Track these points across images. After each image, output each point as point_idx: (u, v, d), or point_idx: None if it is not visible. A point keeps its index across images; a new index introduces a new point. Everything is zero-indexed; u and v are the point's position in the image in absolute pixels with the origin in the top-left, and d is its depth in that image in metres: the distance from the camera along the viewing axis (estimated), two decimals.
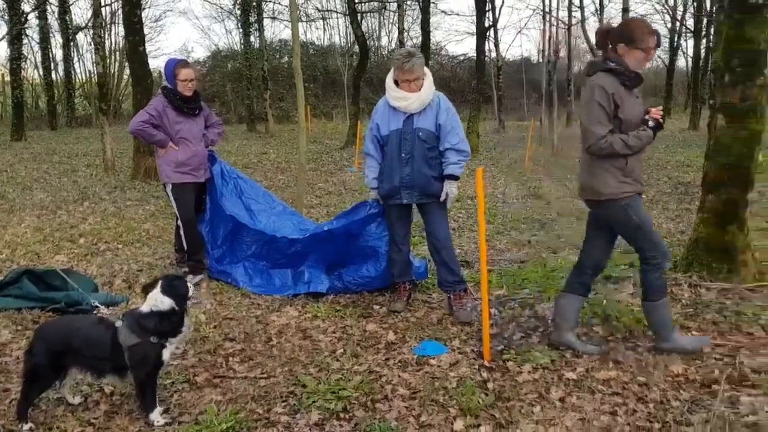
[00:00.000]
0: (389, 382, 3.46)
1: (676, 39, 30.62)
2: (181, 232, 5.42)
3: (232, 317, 4.59)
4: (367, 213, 4.88)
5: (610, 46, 3.52)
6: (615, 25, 3.71)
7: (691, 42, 28.52)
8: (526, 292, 4.93)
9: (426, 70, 4.39)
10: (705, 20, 23.75)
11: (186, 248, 5.45)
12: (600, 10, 24.76)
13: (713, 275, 4.78)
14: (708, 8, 22.42)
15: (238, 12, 27.09)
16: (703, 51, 25.89)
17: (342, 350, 3.93)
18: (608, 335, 4.05)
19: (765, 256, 5.23)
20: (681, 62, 35.18)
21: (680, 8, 29.60)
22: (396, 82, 4.40)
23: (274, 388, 3.43)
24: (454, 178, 4.38)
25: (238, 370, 3.68)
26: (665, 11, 29.69)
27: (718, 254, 4.82)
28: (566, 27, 22.48)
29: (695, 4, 25.50)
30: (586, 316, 4.30)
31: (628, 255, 4.98)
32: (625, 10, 12.64)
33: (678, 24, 29.35)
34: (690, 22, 27.77)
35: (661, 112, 3.53)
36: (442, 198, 4.40)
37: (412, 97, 4.32)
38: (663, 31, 29.58)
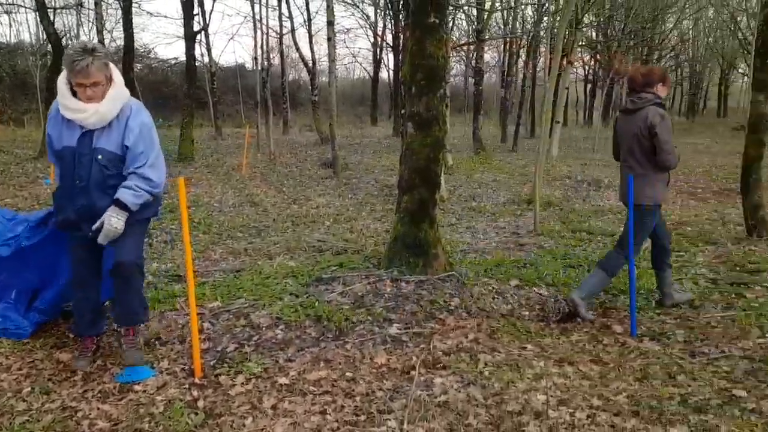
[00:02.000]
0: (86, 417, 3.11)
1: (378, 53, 33.30)
2: None
3: None
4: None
5: (649, 86, 4.54)
6: (645, 71, 4.62)
7: (391, 56, 31.25)
8: (241, 301, 4.86)
9: (114, 73, 3.47)
10: (401, 36, 26.15)
11: None
12: (308, 21, 25.79)
13: (411, 269, 5.23)
14: (402, 25, 24.72)
15: None
16: (401, 64, 28.53)
17: (30, 388, 3.44)
18: (319, 336, 4.17)
19: (452, 249, 5.89)
20: (384, 74, 38.33)
21: (381, 24, 32.28)
22: (71, 86, 3.40)
23: None
24: (121, 205, 3.40)
25: None
26: (367, 26, 32.07)
27: (414, 250, 5.29)
28: (278, 36, 22.97)
29: (393, 21, 27.93)
30: (300, 318, 4.38)
31: (349, 261, 5.22)
32: (330, 23, 13.30)
33: (379, 39, 31.93)
34: (389, 38, 30.41)
35: None
36: (95, 226, 3.42)
37: (90, 109, 3.34)
38: (366, 44, 31.75)
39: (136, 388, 3.42)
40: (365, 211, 9.00)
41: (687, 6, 33.50)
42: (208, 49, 25.72)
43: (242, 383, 3.46)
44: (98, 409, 3.19)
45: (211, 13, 43.64)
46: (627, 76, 4.88)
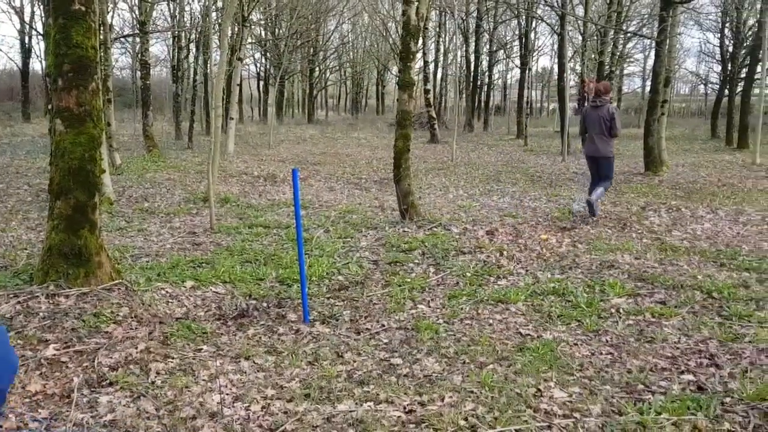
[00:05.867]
0: None
1: (27, 41, 29.50)
2: None
3: None
4: None
5: (607, 94, 8.35)
6: (605, 86, 8.52)
7: (43, 45, 27.92)
8: None
9: None
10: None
11: None
12: None
13: (71, 281, 4.72)
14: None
15: None
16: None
17: None
18: None
19: (120, 255, 5.47)
20: (37, 65, 34.14)
21: (28, 9, 28.60)
22: None
23: None
24: None
25: None
26: (12, 11, 28.12)
27: (74, 260, 4.78)
28: None
29: (41, 5, 24.98)
30: None
31: None
32: None
33: (27, 26, 28.29)
34: (39, 25, 27.12)
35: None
36: None
37: None
38: (12, 32, 27.96)
39: None
40: (16, 220, 7.89)
41: (345, 10, 36.45)
42: None
43: None
44: None
45: None
46: (594, 86, 8.54)
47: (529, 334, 4.25)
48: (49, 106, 5.47)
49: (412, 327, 4.40)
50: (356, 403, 3.21)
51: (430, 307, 4.89)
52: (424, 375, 3.60)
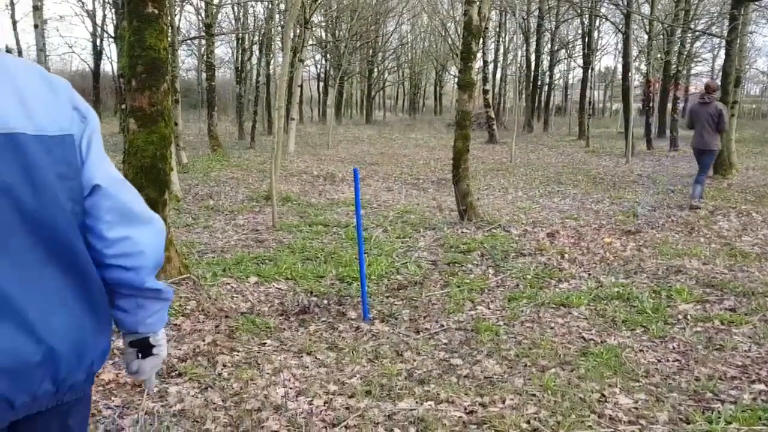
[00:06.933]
0: None
1: (99, 43, 30.71)
2: None
3: None
4: None
5: (715, 92, 9.32)
6: (714, 84, 9.78)
7: (114, 47, 29.05)
8: None
9: None
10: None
11: None
12: (11, 6, 22.82)
13: None
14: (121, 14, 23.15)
15: None
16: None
17: None
18: None
19: (188, 250, 5.65)
20: (107, 67, 35.53)
21: (100, 12, 29.78)
22: None
23: None
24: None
25: None
26: (84, 14, 29.33)
27: None
28: None
29: (113, 9, 25.98)
30: None
31: None
32: (36, 8, 11.90)
33: (99, 29, 29.45)
34: (110, 28, 28.22)
35: None
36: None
37: None
38: (85, 34, 29.23)
39: None
40: None
41: (404, 11, 36.54)
42: None
43: None
44: None
45: None
46: (705, 83, 9.77)
47: (592, 339, 4.18)
48: (123, 106, 5.70)
49: (471, 328, 4.38)
50: (417, 402, 3.23)
51: (489, 308, 4.86)
52: (484, 376, 3.59)
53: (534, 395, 3.32)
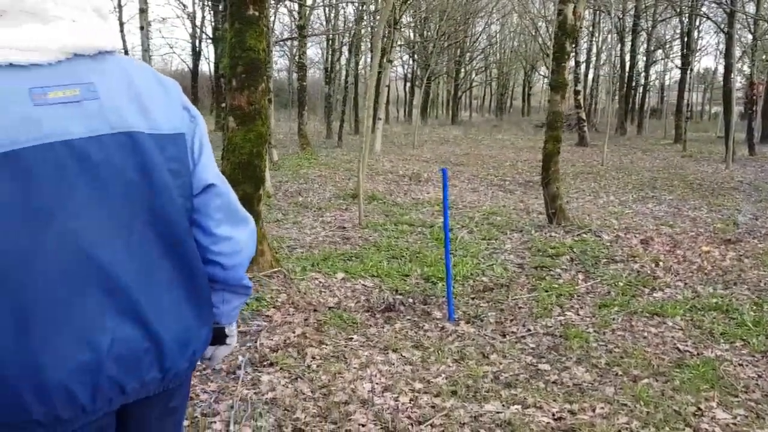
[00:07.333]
0: None
1: (198, 44, 32.07)
2: None
3: None
4: None
5: None
6: None
7: (211, 48, 30.26)
8: None
9: None
10: (221, 27, 25.44)
11: None
12: (119, 8, 24.18)
13: None
14: (222, 16, 24.05)
15: None
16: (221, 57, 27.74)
17: None
18: None
19: (278, 245, 5.83)
20: (205, 67, 37.05)
21: (200, 14, 31.09)
22: None
23: None
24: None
25: None
26: (185, 16, 30.72)
27: None
28: None
29: (212, 11, 27.08)
30: None
31: None
32: (143, 11, 12.57)
33: (198, 30, 30.75)
34: (209, 29, 29.41)
35: None
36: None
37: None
38: (184, 35, 30.53)
39: None
40: None
41: (494, 11, 36.13)
42: None
43: None
44: None
45: None
46: None
47: (688, 351, 4.02)
48: (222, 105, 5.93)
49: (560, 334, 4.30)
50: (503, 405, 3.21)
51: (579, 315, 4.76)
52: (573, 383, 3.52)
53: (625, 405, 3.23)
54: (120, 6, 25.75)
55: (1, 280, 1.19)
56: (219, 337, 1.61)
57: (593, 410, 3.17)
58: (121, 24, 25.57)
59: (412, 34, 31.20)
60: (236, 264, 1.53)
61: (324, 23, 26.78)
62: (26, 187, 1.20)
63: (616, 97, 32.67)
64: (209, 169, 1.50)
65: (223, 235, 1.49)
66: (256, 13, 5.10)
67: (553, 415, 3.12)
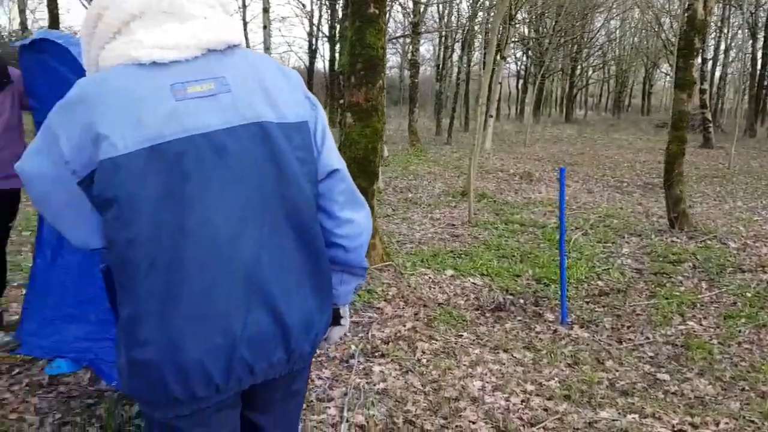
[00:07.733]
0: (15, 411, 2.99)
1: (314, 42, 32.97)
2: None
3: None
4: None
5: None
6: None
7: (327, 46, 31.04)
8: None
9: None
10: (338, 26, 26.03)
11: None
12: (243, 8, 25.30)
13: None
14: (340, 15, 24.60)
15: None
16: (337, 54, 28.37)
17: None
18: None
19: (388, 240, 5.92)
20: (320, 64, 38.02)
21: (317, 13, 31.96)
22: None
23: None
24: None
25: None
26: (303, 15, 31.66)
27: None
28: None
29: (329, 11, 27.78)
30: None
31: None
32: (266, 10, 13.09)
33: (315, 29, 31.61)
34: (325, 28, 30.17)
35: None
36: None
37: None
38: (302, 34, 31.43)
39: (67, 380, 3.30)
40: None
41: (614, 6, 34.70)
42: None
43: None
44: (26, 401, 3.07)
45: None
46: None
47: None
48: (341, 101, 6.09)
49: (681, 344, 4.10)
50: (619, 413, 3.11)
51: (701, 325, 4.51)
52: (695, 396, 3.35)
53: (753, 422, 3.04)
54: (244, 5, 26.95)
55: (152, 264, 1.30)
56: (335, 318, 1.67)
57: (716, 425, 3.00)
58: (245, 23, 26.74)
59: (526, 30, 30.60)
60: (358, 245, 1.58)
61: (437, 20, 26.78)
62: (172, 178, 1.30)
63: (746, 97, 30.49)
64: (333, 154, 1.55)
65: (346, 218, 1.54)
66: (377, 12, 5.19)
67: (673, 426, 2.99)
